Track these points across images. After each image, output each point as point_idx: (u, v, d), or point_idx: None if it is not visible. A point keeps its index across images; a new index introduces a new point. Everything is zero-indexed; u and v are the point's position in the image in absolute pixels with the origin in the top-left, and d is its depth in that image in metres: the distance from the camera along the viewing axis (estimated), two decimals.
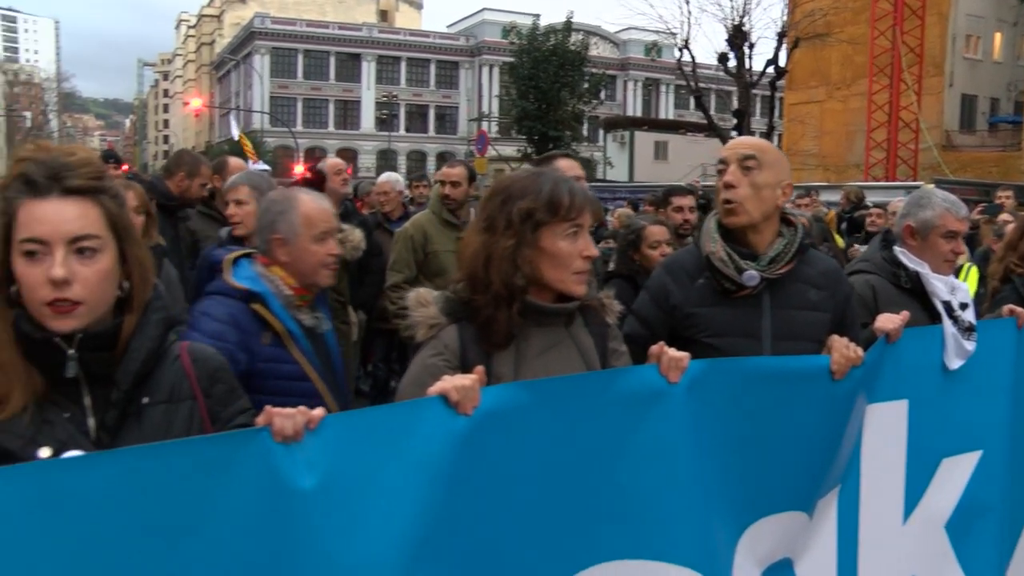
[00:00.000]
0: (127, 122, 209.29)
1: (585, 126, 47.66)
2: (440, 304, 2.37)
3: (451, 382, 1.84)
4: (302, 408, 1.64)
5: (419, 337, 2.35)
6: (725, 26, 29.43)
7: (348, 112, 78.16)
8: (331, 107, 77.87)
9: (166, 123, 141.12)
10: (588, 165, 45.88)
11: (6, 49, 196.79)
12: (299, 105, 76.46)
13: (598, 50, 48.90)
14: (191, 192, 5.69)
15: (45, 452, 1.66)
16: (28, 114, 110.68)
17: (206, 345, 2.04)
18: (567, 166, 3.83)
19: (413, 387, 2.21)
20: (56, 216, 1.69)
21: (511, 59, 74.17)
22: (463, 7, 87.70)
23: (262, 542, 1.57)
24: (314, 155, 58.86)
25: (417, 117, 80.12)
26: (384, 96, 72.30)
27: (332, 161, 6.72)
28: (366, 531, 1.68)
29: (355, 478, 1.68)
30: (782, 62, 30.23)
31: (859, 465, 2.62)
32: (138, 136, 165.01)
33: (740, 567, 2.32)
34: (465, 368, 2.09)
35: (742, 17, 29.19)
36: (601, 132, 50.94)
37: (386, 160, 69.11)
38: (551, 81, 41.91)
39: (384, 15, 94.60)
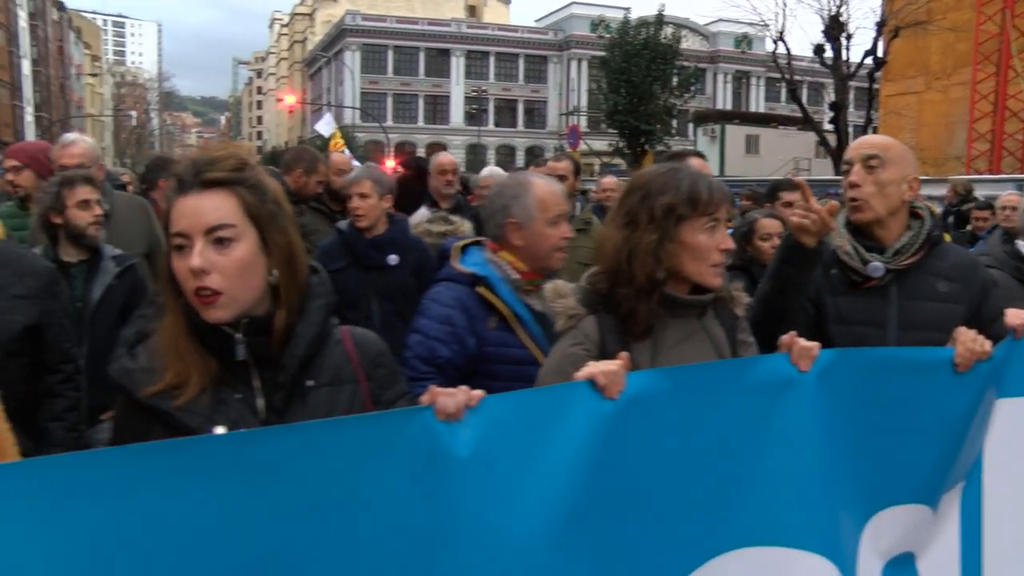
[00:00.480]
0: (222, 119, 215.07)
1: (675, 120, 47.14)
2: (578, 295, 2.43)
3: (598, 367, 1.88)
4: (463, 388, 1.70)
5: (558, 327, 2.42)
6: (821, 16, 28.83)
7: (438, 107, 78.96)
8: (421, 102, 78.76)
9: (260, 119, 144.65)
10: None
11: (115, 52, 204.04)
12: (389, 100, 77.55)
13: (687, 43, 48.29)
14: (308, 188, 5.78)
15: (220, 430, 1.75)
16: (133, 113, 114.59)
17: (367, 331, 2.11)
18: (699, 164, 3.94)
19: (554, 375, 2.28)
20: (194, 209, 1.78)
21: (600, 53, 74.26)
22: (551, 1, 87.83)
23: (425, 512, 1.65)
24: (404, 150, 59.68)
25: (506, 112, 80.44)
26: (473, 91, 72.76)
27: (442, 158, 6.61)
28: (523, 504, 1.74)
29: (511, 455, 1.74)
30: (880, 52, 29.45)
31: (982, 461, 2.59)
32: (233, 132, 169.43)
33: (865, 557, 2.32)
34: (604, 357, 2.14)
35: (839, 7, 28.55)
36: (691, 126, 50.38)
37: (475, 154, 69.59)
38: (643, 75, 41.54)
39: (472, 10, 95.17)
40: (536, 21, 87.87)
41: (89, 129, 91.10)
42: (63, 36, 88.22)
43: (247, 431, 1.69)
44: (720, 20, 69.78)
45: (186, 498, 1.46)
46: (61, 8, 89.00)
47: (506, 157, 73.22)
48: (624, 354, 1.95)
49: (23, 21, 67.80)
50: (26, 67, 67.95)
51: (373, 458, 1.60)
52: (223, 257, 1.78)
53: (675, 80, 43.81)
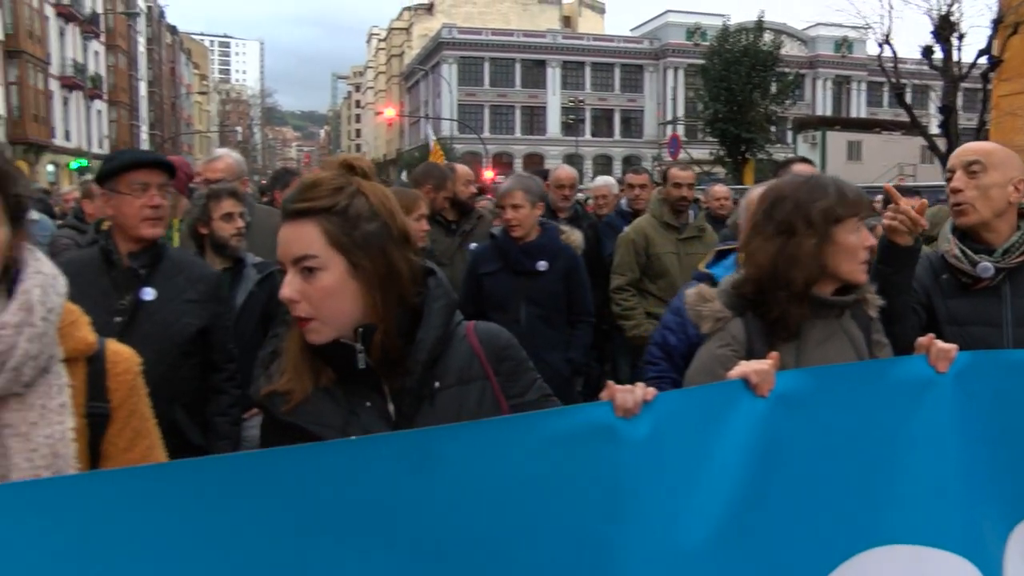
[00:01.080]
0: (322, 132, 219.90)
1: (774, 127, 46.25)
2: (723, 299, 2.55)
3: (750, 366, 1.98)
4: (640, 384, 1.82)
5: (704, 330, 2.54)
6: (930, 17, 27.94)
7: (534, 117, 79.38)
8: (517, 113, 79.33)
9: (358, 132, 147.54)
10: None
11: (220, 71, 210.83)
12: (486, 112, 78.34)
13: (786, 48, 47.30)
14: (437, 204, 5.94)
15: None
16: (239, 128, 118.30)
17: (491, 324, 2.17)
18: (807, 169, 4.09)
19: (702, 375, 2.40)
20: (283, 240, 1.87)
21: (696, 61, 73.31)
22: (646, 10, 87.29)
23: (602, 502, 1.77)
24: (501, 161, 60.11)
25: (603, 121, 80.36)
26: (570, 101, 72.89)
27: (560, 172, 6.88)
28: (692, 496, 1.85)
29: (681, 448, 1.85)
30: (995, 51, 28.31)
31: None
32: (332, 145, 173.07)
33: (1011, 561, 2.32)
34: (750, 357, 2.22)
35: (950, 6, 27.61)
36: (790, 133, 49.44)
37: (572, 164, 69.32)
38: (742, 83, 41.02)
39: (567, 21, 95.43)
40: (631, 30, 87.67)
41: (197, 145, 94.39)
42: (175, 58, 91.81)
43: (426, 429, 1.74)
44: (819, 24, 68.41)
45: (363, 492, 1.56)
46: (174, 32, 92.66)
47: (603, 167, 73.02)
48: (774, 354, 2.04)
49: (141, 46, 70.89)
50: (143, 88, 70.99)
51: (557, 449, 1.72)
52: (310, 286, 1.83)
53: (774, 87, 43.08)
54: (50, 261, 1.72)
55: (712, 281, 3.25)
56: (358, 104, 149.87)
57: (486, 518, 1.67)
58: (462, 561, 1.65)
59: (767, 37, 43.23)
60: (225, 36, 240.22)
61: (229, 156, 5.16)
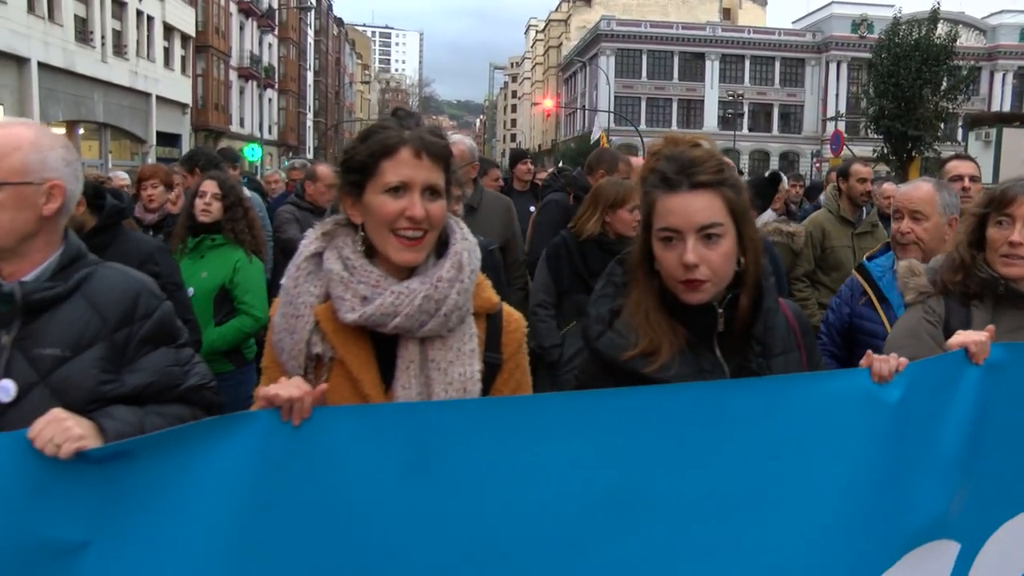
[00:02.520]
0: (477, 121, 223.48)
1: (943, 124, 44.05)
2: (929, 276, 2.87)
3: (969, 336, 2.20)
4: (893, 355, 2.07)
5: (907, 300, 2.90)
6: None
7: (691, 111, 78.63)
8: (674, 106, 78.75)
9: (514, 122, 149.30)
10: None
11: (380, 61, 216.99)
12: (643, 104, 78.12)
13: (962, 39, 44.64)
14: None
15: None
16: None
17: (791, 302, 2.48)
18: (969, 168, 4.94)
19: (907, 336, 2.76)
20: (687, 208, 2.02)
21: (861, 54, 70.98)
22: (809, 1, 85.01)
23: (865, 454, 2.02)
24: None
25: (761, 116, 78.80)
26: (729, 95, 71.81)
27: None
28: (935, 450, 2.12)
29: (922, 411, 2.10)
30: None
31: None
32: (487, 134, 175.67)
33: None
34: (947, 333, 2.52)
35: None
36: (961, 130, 47.03)
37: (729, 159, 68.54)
38: (912, 78, 39.45)
39: (727, 13, 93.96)
40: (793, 22, 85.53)
41: (357, 132, 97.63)
42: (340, 49, 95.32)
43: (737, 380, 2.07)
44: (1003, 11, 64.91)
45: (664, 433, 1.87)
46: (340, 24, 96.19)
47: (760, 163, 71.81)
48: (991, 327, 2.27)
49: (310, 38, 74.07)
50: (310, 78, 74.15)
51: (823, 407, 1.99)
52: (712, 251, 2.02)
53: (946, 82, 41.07)
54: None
55: (865, 272, 3.68)
56: (515, 94, 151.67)
57: (769, 467, 1.96)
58: (749, 506, 1.94)
59: (941, 29, 41.10)
60: (387, 27, 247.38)
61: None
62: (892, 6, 50.28)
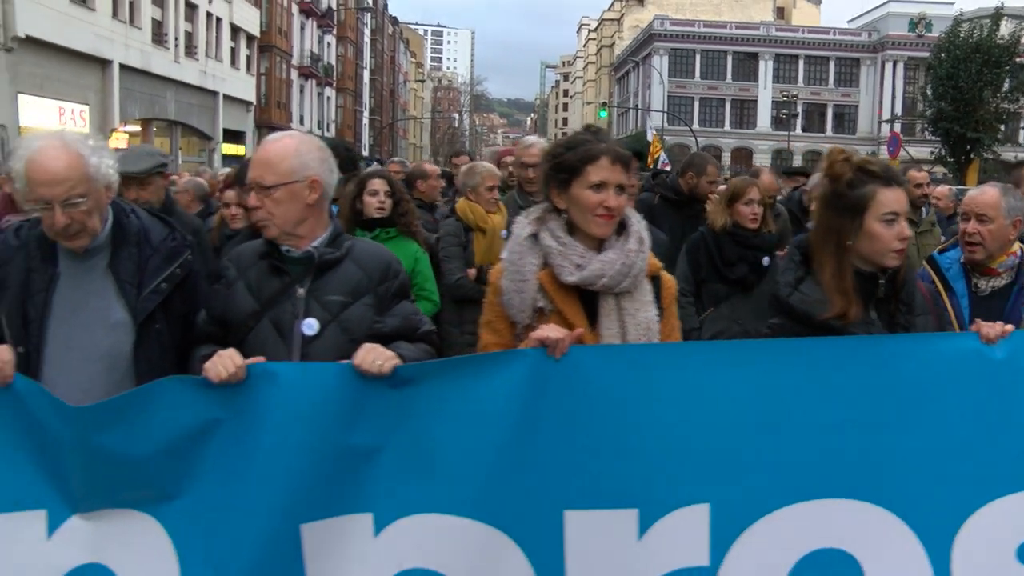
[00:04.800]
0: (528, 120, 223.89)
1: (1003, 126, 43.08)
2: None
3: None
4: (999, 322, 2.65)
5: None
6: None
7: (744, 111, 78.45)
8: (727, 106, 78.59)
9: (565, 121, 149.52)
10: (1006, 169, 41.47)
11: (432, 59, 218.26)
12: (696, 104, 78.06)
13: None
14: (699, 189, 6.46)
15: None
16: (456, 115, 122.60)
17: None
18: None
19: None
20: (901, 198, 2.80)
21: (919, 54, 69.92)
22: (865, 0, 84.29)
23: (971, 403, 2.53)
24: (711, 153, 59.82)
25: (815, 116, 78.30)
26: (783, 95, 71.44)
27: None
28: None
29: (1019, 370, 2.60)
30: None
31: None
32: (538, 133, 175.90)
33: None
34: None
35: None
36: (1023, 132, 46.12)
37: (782, 160, 68.45)
38: (972, 80, 38.84)
39: (781, 12, 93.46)
40: (848, 21, 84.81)
41: (411, 130, 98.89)
42: (395, 47, 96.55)
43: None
44: None
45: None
46: (395, 23, 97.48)
47: (813, 164, 71.31)
48: None
49: (367, 37, 75.34)
50: (366, 76, 75.44)
51: (946, 359, 2.52)
52: (908, 232, 2.81)
53: (1008, 83, 40.29)
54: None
55: (934, 264, 4.14)
56: (566, 93, 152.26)
57: (908, 399, 2.52)
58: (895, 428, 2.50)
59: (1005, 28, 40.12)
60: (439, 25, 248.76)
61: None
62: (952, 3, 49.02)
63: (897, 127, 50.17)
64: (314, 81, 55.42)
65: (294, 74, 50.67)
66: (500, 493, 2.41)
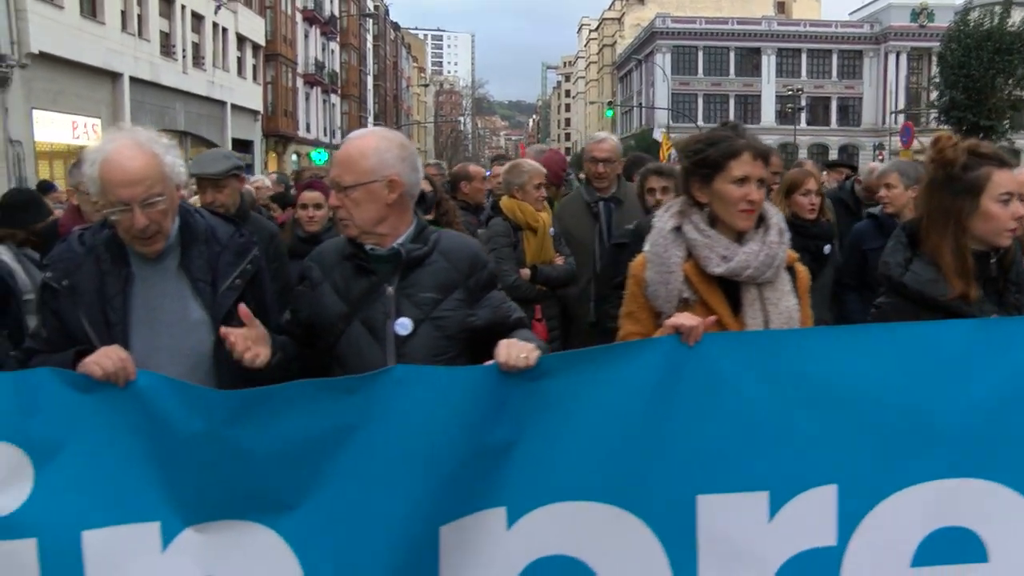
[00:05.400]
0: (530, 121, 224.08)
1: (1015, 112, 42.76)
2: None
3: None
4: None
5: None
6: None
7: (748, 106, 78.44)
8: (731, 102, 78.58)
9: (568, 121, 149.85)
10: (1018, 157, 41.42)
11: (433, 63, 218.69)
12: (700, 101, 78.09)
13: None
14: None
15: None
16: (461, 118, 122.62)
17: None
18: None
19: None
20: (1017, 179, 2.86)
21: (921, 44, 70.05)
22: None
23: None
24: None
25: (819, 110, 78.27)
26: (787, 89, 71.38)
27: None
28: None
29: None
30: None
31: None
32: (541, 134, 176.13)
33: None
34: None
35: None
36: None
37: (787, 154, 68.45)
38: (984, 68, 38.80)
39: (781, 7, 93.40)
40: (850, 14, 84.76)
41: (415, 134, 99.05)
42: (397, 53, 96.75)
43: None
44: None
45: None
46: (396, 28, 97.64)
47: (819, 156, 71.22)
48: None
49: (369, 43, 75.45)
50: (369, 82, 75.55)
51: (980, 346, 2.54)
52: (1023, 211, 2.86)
53: (1021, 70, 39.97)
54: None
55: None
56: (568, 93, 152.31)
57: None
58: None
59: (1017, 17, 40.01)
60: (438, 29, 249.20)
61: (611, 138, 6.17)
62: None
63: (902, 117, 49.81)
64: (319, 88, 55.51)
65: (299, 82, 50.77)
66: (634, 478, 2.44)
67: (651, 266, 2.88)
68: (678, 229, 2.88)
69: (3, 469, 2.32)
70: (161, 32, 31.57)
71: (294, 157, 48.91)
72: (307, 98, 53.43)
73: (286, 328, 2.96)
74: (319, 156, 43.17)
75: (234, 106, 38.94)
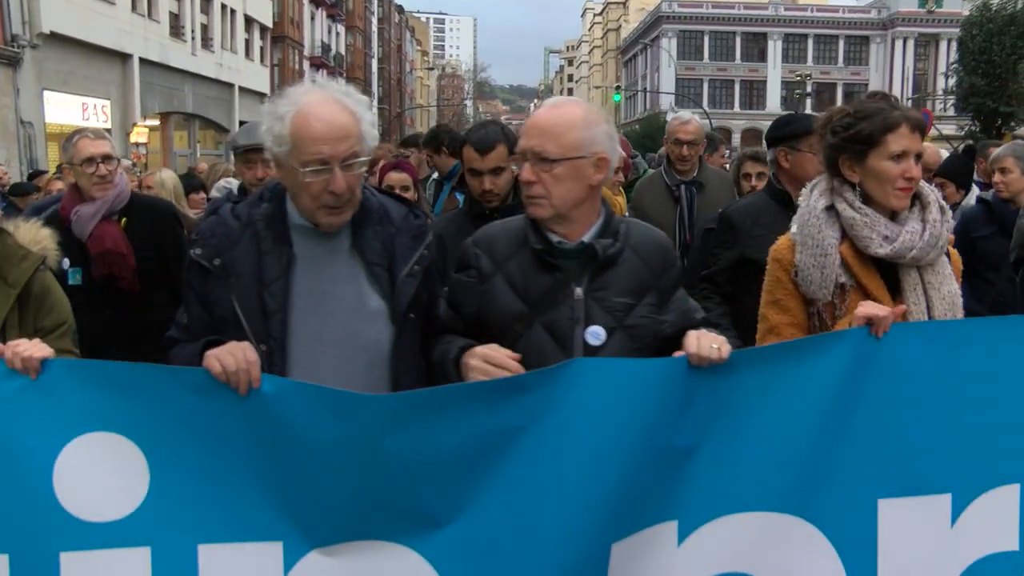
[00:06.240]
0: (531, 106, 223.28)
1: None
2: None
3: None
4: None
5: None
6: None
7: (754, 92, 78.14)
8: (737, 87, 78.35)
9: None
10: None
11: (435, 47, 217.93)
12: (705, 86, 77.82)
13: None
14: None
15: None
16: (469, 101, 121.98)
17: None
18: None
19: None
20: None
21: (929, 29, 69.65)
22: None
23: None
24: (720, 135, 59.60)
25: (825, 95, 77.73)
26: (795, 75, 70.89)
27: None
28: None
29: None
30: None
31: None
32: None
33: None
34: None
35: None
36: None
37: None
38: (1007, 54, 38.25)
39: None
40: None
41: (418, 118, 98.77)
42: (401, 36, 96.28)
43: None
44: None
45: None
46: (400, 11, 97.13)
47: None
48: None
49: (374, 25, 75.02)
50: (374, 65, 75.17)
51: None
52: None
53: None
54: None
55: None
56: (570, 78, 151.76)
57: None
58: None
59: None
60: (440, 13, 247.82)
61: (696, 119, 5.92)
62: None
63: (909, 103, 49.51)
64: (325, 71, 55.11)
65: (306, 65, 50.45)
66: (812, 484, 2.25)
67: (803, 249, 2.64)
68: (830, 208, 2.65)
69: (121, 467, 2.08)
70: (170, 13, 31.21)
71: None
72: (313, 81, 52.88)
73: (444, 319, 2.59)
74: None
75: (242, 88, 38.58)
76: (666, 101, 67.30)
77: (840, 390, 2.25)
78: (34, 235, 2.88)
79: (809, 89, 73.30)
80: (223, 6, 36.41)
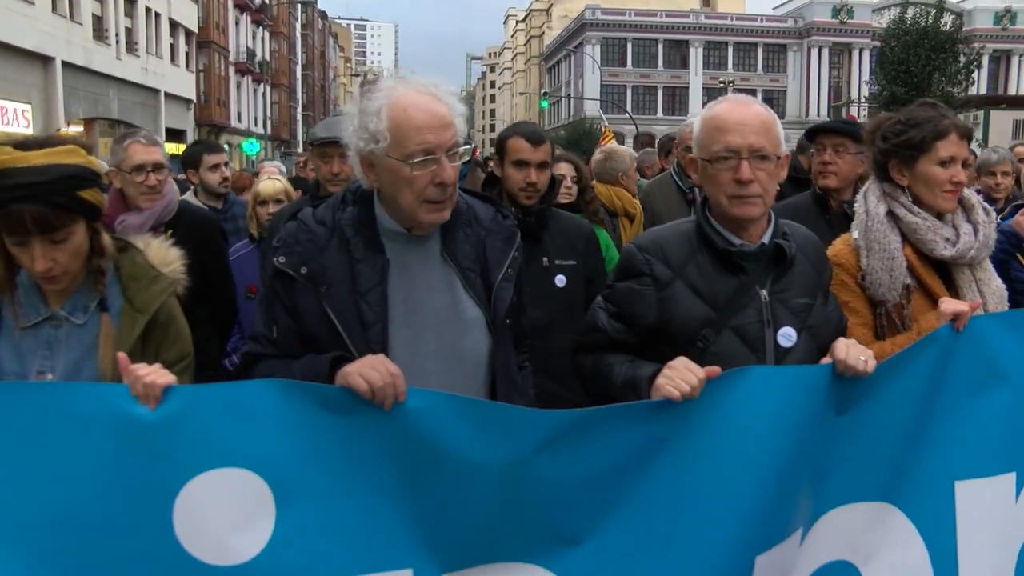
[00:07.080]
0: None
1: (954, 110, 43.95)
2: None
3: None
4: None
5: None
6: None
7: (677, 98, 79.39)
8: (660, 93, 79.53)
9: (493, 112, 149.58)
10: None
11: (357, 53, 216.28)
12: (628, 92, 78.77)
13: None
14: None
15: None
16: None
17: None
18: None
19: None
20: None
21: (842, 39, 71.64)
22: None
23: None
24: (643, 140, 60.46)
25: None
26: (718, 82, 72.26)
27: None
28: None
29: None
30: None
31: None
32: (467, 125, 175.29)
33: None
34: None
35: None
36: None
37: None
38: (922, 64, 39.56)
39: (707, 1, 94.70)
40: (774, 9, 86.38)
41: None
42: (325, 42, 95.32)
43: None
44: None
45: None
46: (324, 17, 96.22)
47: None
48: None
49: (298, 32, 74.21)
50: (298, 72, 74.34)
51: None
52: None
53: (953, 67, 41.02)
54: None
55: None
56: (493, 84, 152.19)
57: None
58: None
59: (948, 18, 41.31)
60: (361, 19, 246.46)
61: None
62: None
63: (824, 111, 51.06)
64: (250, 77, 54.40)
65: (231, 70, 49.68)
66: (900, 471, 2.39)
67: (870, 253, 2.78)
68: (890, 213, 2.81)
69: (247, 503, 1.93)
70: (93, 15, 30.42)
71: (226, 147, 47.76)
72: (238, 87, 52.27)
73: (615, 337, 2.47)
74: (251, 147, 42.20)
75: (168, 94, 37.86)
76: (591, 107, 67.93)
77: (928, 383, 2.40)
78: (164, 255, 2.61)
79: (729, 95, 74.50)
80: (147, 9, 35.65)
